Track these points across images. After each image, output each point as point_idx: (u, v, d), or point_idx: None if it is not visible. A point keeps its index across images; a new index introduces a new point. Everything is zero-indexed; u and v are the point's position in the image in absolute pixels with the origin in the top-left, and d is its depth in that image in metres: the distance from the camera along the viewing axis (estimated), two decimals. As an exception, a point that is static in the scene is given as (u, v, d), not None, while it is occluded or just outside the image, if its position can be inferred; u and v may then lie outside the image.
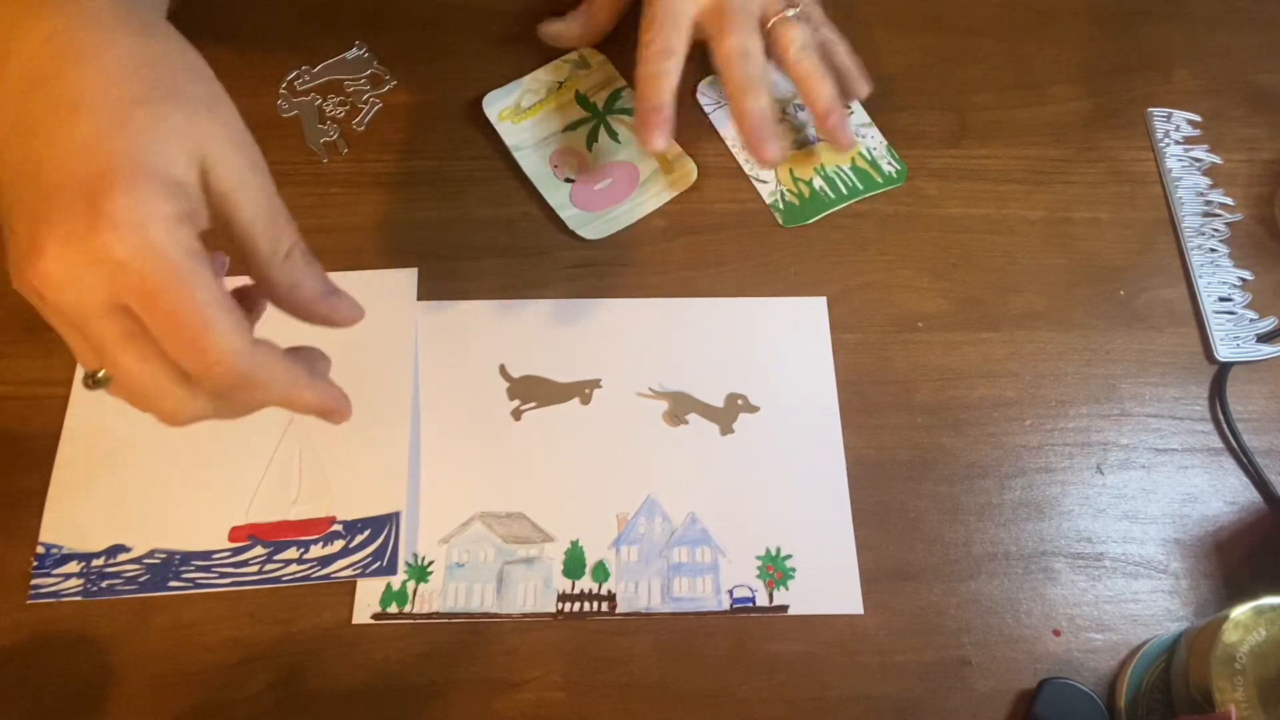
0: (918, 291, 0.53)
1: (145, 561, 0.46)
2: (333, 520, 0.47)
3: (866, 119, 0.57)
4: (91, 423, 0.48)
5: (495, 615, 0.45)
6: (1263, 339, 0.52)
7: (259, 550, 0.46)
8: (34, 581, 0.45)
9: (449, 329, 0.51)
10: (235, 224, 0.35)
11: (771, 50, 0.52)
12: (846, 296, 0.53)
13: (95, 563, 0.46)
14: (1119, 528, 0.48)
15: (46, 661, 0.45)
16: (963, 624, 0.46)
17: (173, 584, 0.46)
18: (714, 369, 0.51)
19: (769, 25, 0.52)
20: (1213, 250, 0.55)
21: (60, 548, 0.46)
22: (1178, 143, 0.58)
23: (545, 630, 0.46)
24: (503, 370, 0.50)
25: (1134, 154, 0.57)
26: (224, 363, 0.32)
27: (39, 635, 0.45)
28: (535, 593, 0.46)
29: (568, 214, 0.53)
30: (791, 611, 0.46)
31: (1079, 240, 0.55)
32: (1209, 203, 0.56)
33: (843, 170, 0.56)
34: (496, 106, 0.56)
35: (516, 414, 0.49)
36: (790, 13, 0.52)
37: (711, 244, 0.54)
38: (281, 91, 0.57)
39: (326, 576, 0.46)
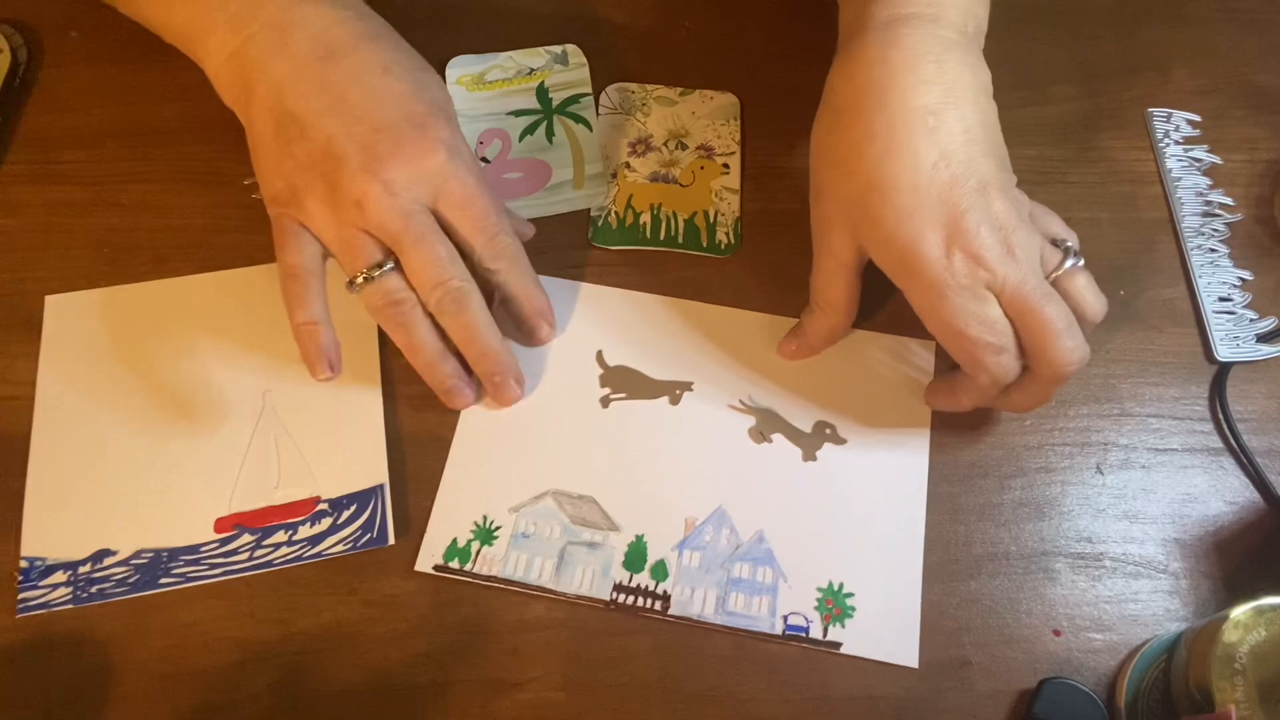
0: (918, 291, 0.53)
1: (133, 563, 0.46)
2: (317, 500, 0.47)
3: (736, 185, 0.55)
4: (59, 432, 0.48)
5: (550, 591, 0.46)
6: (1263, 339, 0.52)
7: (247, 538, 0.46)
8: (21, 595, 0.45)
9: (559, 306, 0.51)
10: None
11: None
12: (846, 296, 0.53)
13: (82, 570, 0.46)
14: (1119, 528, 0.48)
15: (46, 662, 0.44)
16: (963, 624, 0.46)
17: (164, 581, 0.45)
18: (807, 393, 0.50)
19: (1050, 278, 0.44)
20: (1213, 250, 0.55)
21: (44, 559, 0.46)
22: (1178, 143, 0.58)
23: (545, 630, 0.46)
24: (599, 357, 0.51)
25: (1134, 154, 0.57)
26: (507, 245, 0.47)
27: (38, 636, 0.45)
28: (593, 578, 0.46)
29: None
30: (844, 650, 0.45)
31: (1079, 240, 0.55)
32: (1209, 203, 0.56)
33: (675, 218, 0.54)
34: (459, 70, 0.57)
35: (605, 401, 0.50)
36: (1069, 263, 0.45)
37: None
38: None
39: (318, 555, 0.46)
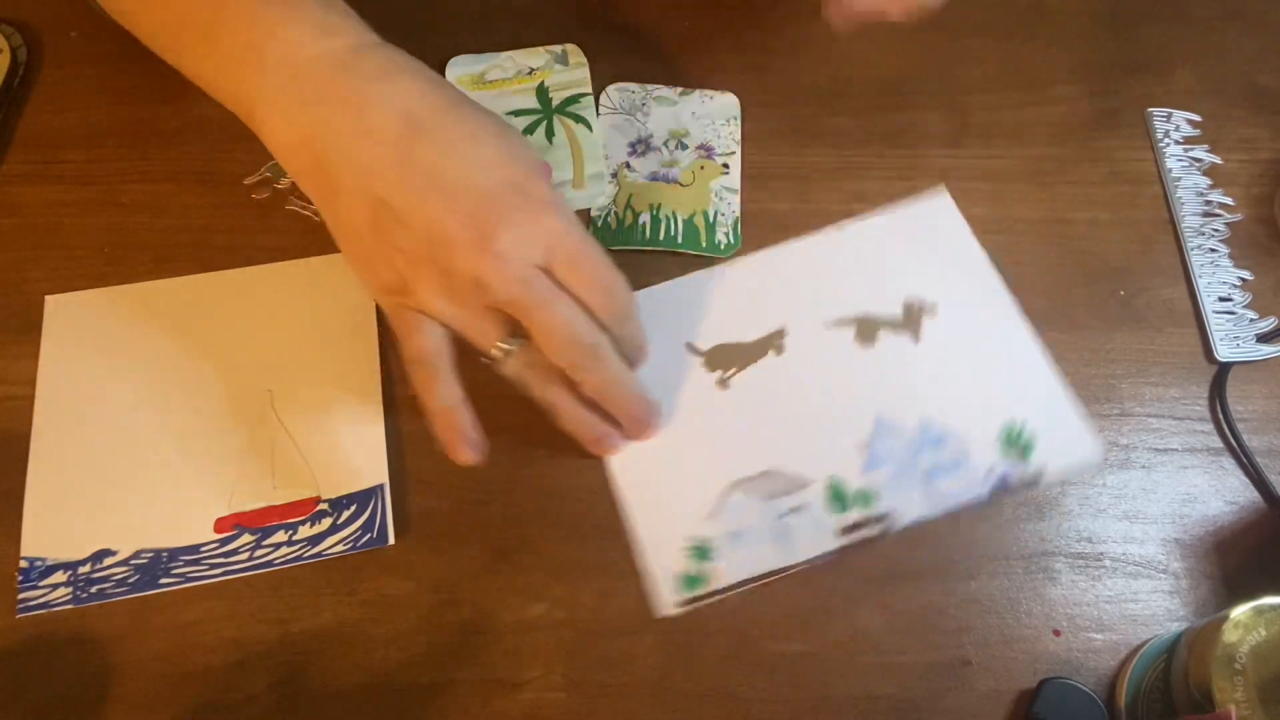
0: (918, 291, 0.53)
1: (133, 563, 0.46)
2: (317, 500, 0.47)
3: (736, 185, 0.55)
4: (59, 432, 0.48)
5: (790, 568, 0.46)
6: (1263, 339, 0.52)
7: (247, 538, 0.46)
8: (21, 595, 0.45)
9: None
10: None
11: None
12: (846, 296, 0.53)
13: (82, 570, 0.46)
14: (1119, 528, 0.48)
15: (46, 662, 0.45)
16: (963, 624, 0.46)
17: (164, 581, 0.46)
18: (881, 285, 0.52)
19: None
20: (1213, 250, 0.55)
21: (44, 559, 0.46)
22: (1178, 143, 0.58)
23: (545, 630, 0.46)
24: (691, 347, 0.51)
25: (1134, 154, 0.57)
26: (625, 299, 0.44)
27: (38, 636, 0.45)
28: (814, 534, 0.47)
29: None
30: (1047, 476, 0.48)
31: (1079, 240, 0.55)
32: (1209, 203, 0.56)
33: (675, 217, 0.54)
34: (459, 70, 0.57)
35: (723, 383, 0.50)
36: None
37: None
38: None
39: (318, 555, 0.46)
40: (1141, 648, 0.45)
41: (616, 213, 0.54)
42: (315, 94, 0.42)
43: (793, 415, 0.49)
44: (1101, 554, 0.48)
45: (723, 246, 0.54)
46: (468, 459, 0.44)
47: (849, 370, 0.50)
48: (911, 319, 0.51)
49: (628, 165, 0.56)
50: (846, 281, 0.52)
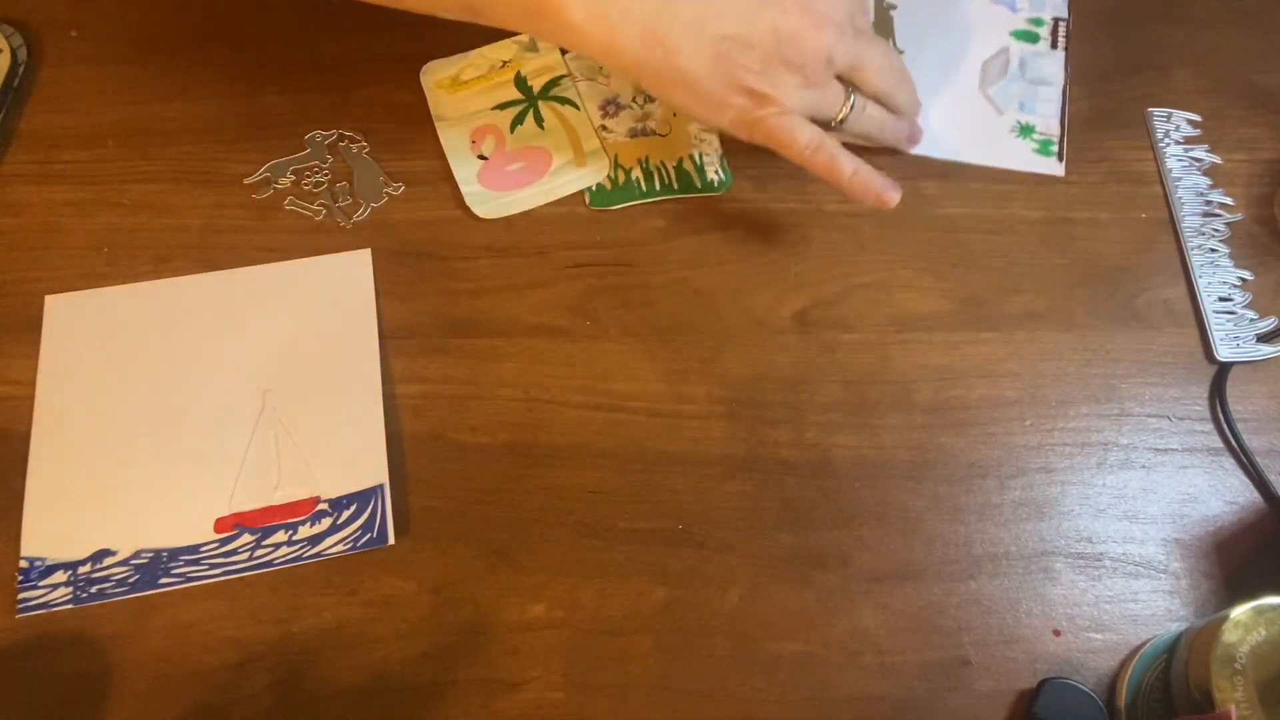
0: (918, 291, 0.53)
1: (133, 563, 0.46)
2: (317, 500, 0.47)
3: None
4: (59, 432, 0.48)
5: None
6: (1263, 339, 0.52)
7: (247, 538, 0.46)
8: (21, 595, 0.45)
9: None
10: None
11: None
12: (847, 296, 0.53)
13: (82, 570, 0.46)
14: (1119, 528, 0.48)
15: (46, 661, 0.45)
16: (963, 624, 0.46)
17: (164, 581, 0.46)
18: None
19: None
20: (1213, 250, 0.55)
21: (43, 559, 0.46)
22: (1178, 143, 0.58)
23: (545, 630, 0.46)
24: None
25: (1134, 154, 0.57)
26: (905, 72, 0.52)
27: (38, 635, 0.45)
28: None
29: (469, 189, 0.54)
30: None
31: (1079, 240, 0.55)
32: (1209, 203, 0.56)
33: (665, 166, 0.56)
34: (435, 76, 0.57)
35: None
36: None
37: (712, 244, 0.54)
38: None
39: (318, 555, 0.46)
40: (1141, 648, 0.45)
41: (608, 174, 0.55)
42: None
43: None
44: (1101, 554, 0.48)
45: (717, 184, 0.55)
46: (895, 199, 0.50)
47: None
48: None
49: (604, 127, 0.57)
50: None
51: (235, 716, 0.44)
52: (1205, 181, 0.57)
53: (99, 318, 0.51)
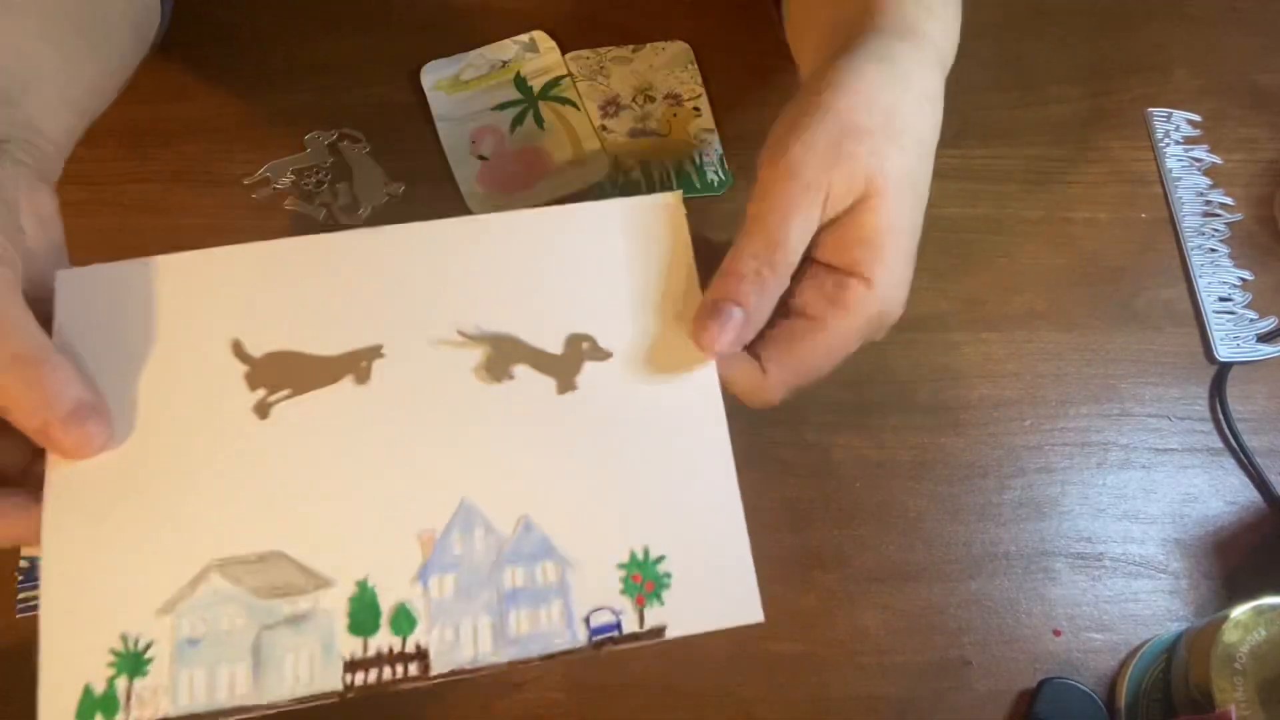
0: (917, 291, 0.53)
1: None
2: None
3: (711, 124, 0.57)
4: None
5: (253, 708, 0.31)
6: (1263, 339, 0.52)
7: None
8: (21, 595, 0.45)
9: (131, 295, 0.36)
10: None
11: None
12: (846, 296, 0.53)
13: None
14: (1119, 528, 0.48)
15: (46, 661, 0.44)
16: (963, 624, 0.46)
17: None
18: (546, 304, 0.36)
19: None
20: (1213, 250, 0.55)
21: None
22: (1178, 143, 0.58)
23: (545, 630, 0.46)
24: (237, 349, 0.35)
25: (1134, 154, 0.57)
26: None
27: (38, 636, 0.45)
28: (311, 665, 0.32)
29: (467, 189, 0.54)
30: (670, 634, 0.33)
31: (1079, 240, 0.55)
32: (1209, 203, 0.56)
33: (665, 167, 0.56)
34: (435, 76, 0.57)
35: (262, 408, 0.34)
36: None
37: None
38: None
39: None
40: (1141, 648, 0.45)
41: (608, 173, 0.55)
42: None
43: (345, 476, 0.33)
44: (1101, 554, 0.48)
45: (716, 184, 0.55)
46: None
47: (453, 418, 0.34)
48: (569, 360, 0.35)
49: (604, 128, 0.57)
50: (498, 288, 0.36)
51: (235, 716, 0.44)
52: (1205, 181, 0.57)
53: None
